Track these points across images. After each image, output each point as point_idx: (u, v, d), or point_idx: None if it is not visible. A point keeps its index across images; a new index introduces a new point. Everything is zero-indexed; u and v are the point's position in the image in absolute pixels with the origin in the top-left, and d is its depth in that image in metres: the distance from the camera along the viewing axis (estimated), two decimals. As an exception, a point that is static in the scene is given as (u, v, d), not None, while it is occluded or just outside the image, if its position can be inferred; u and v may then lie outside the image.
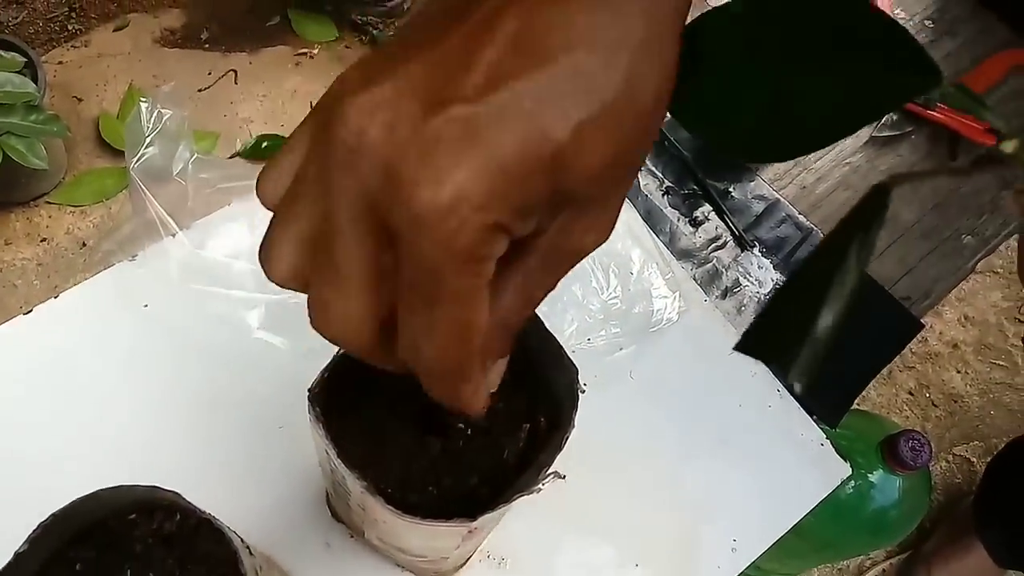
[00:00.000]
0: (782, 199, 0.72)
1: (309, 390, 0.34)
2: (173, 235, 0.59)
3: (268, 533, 0.54)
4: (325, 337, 0.22)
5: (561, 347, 0.37)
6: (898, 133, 0.76)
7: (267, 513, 0.54)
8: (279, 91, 1.44)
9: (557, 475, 0.34)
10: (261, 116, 1.42)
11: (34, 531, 0.32)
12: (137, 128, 0.57)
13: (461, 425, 0.40)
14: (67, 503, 0.33)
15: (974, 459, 1.37)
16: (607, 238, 0.24)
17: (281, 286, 0.23)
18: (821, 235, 0.70)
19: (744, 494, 0.59)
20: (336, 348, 0.36)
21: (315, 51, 1.48)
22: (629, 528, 0.57)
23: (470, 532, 0.36)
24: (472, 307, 0.20)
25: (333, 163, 0.20)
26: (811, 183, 0.74)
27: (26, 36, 1.41)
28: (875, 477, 0.83)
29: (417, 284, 0.20)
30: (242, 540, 0.35)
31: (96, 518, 0.36)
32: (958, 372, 1.43)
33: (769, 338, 0.18)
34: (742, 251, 0.70)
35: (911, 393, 1.38)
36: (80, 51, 1.44)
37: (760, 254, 0.70)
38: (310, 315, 0.22)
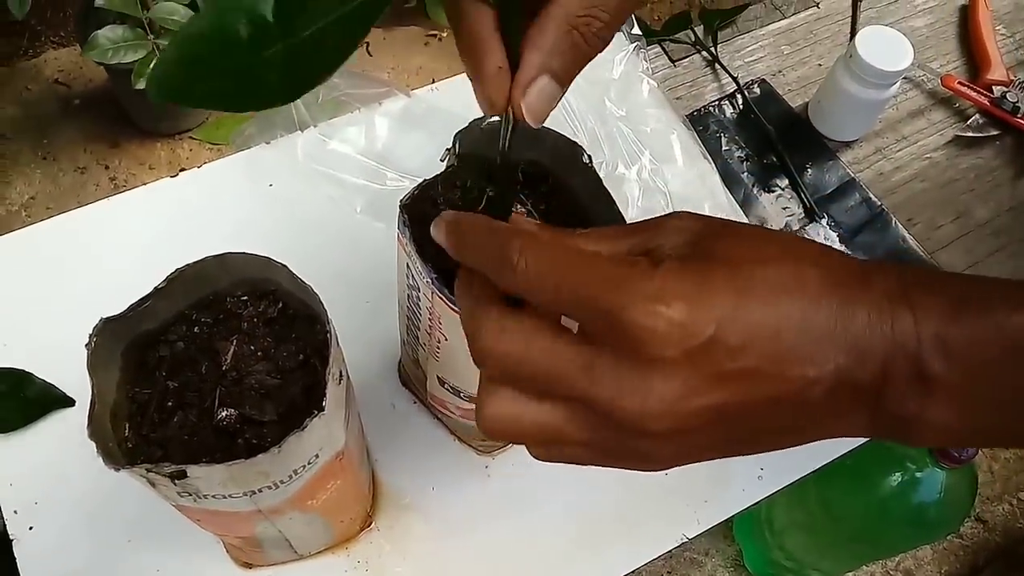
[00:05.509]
0: (858, 180, 0.76)
1: (400, 201, 0.41)
2: (309, 127, 0.68)
3: (344, 386, 0.62)
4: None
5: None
6: (983, 135, 0.78)
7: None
8: (406, 66, 1.56)
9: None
10: (387, 87, 1.53)
11: (170, 275, 0.40)
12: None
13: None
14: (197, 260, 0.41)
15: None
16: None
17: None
18: (893, 217, 0.74)
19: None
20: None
21: (444, 34, 1.59)
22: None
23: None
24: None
25: None
26: (889, 171, 0.77)
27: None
28: (921, 474, 0.84)
29: None
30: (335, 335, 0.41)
31: (216, 289, 0.44)
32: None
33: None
34: (811, 222, 0.74)
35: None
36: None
37: (828, 226, 0.73)
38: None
